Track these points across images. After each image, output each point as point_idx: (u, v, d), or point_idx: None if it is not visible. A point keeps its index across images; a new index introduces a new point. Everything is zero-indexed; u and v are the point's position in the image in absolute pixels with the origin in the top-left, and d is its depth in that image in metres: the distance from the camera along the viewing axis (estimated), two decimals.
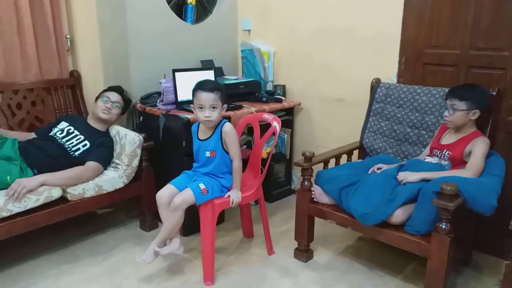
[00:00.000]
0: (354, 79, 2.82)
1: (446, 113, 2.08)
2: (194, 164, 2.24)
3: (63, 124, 2.45)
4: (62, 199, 2.22)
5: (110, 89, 2.57)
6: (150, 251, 2.12)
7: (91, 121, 2.53)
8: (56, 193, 2.14)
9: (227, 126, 2.12)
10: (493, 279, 2.19)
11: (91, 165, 2.31)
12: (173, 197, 2.08)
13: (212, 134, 2.13)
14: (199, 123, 2.21)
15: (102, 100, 2.47)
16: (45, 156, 2.28)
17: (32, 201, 2.05)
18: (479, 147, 1.98)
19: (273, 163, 3.08)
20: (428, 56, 2.50)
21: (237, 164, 2.14)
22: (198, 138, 2.18)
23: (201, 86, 2.07)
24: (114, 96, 2.52)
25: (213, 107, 2.05)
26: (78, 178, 2.24)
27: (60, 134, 2.40)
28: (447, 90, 2.30)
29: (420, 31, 2.49)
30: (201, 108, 2.05)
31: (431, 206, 1.79)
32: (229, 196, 2.13)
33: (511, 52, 2.20)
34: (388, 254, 2.36)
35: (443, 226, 1.75)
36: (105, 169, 2.42)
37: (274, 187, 3.16)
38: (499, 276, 2.20)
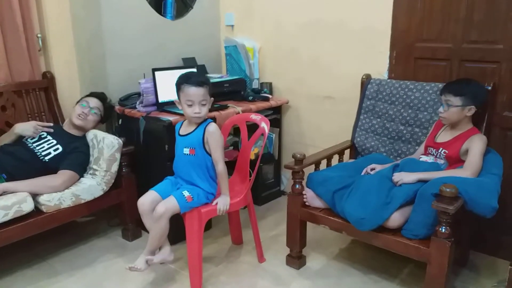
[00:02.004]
0: (343, 75, 2.72)
1: (440, 109, 2.00)
2: (174, 169, 2.10)
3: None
4: (37, 211, 2.07)
5: (91, 94, 2.45)
6: (141, 259, 1.99)
7: (66, 126, 2.40)
8: (26, 207, 1.98)
9: (212, 126, 1.99)
10: (491, 280, 2.13)
11: (62, 172, 2.17)
12: (156, 204, 1.95)
13: (194, 130, 2.00)
14: (183, 121, 2.09)
15: (81, 105, 2.35)
16: (14, 160, 2.15)
17: None
18: (476, 145, 1.90)
19: (261, 164, 2.97)
20: (420, 50, 2.41)
21: (221, 167, 2.01)
22: (179, 133, 2.06)
23: (188, 80, 1.93)
24: (93, 102, 2.39)
25: (203, 103, 1.94)
26: (44, 185, 2.09)
27: (31, 139, 2.27)
28: (441, 85, 2.22)
29: (411, 24, 2.40)
30: (190, 104, 1.92)
31: (430, 209, 1.70)
32: (216, 203, 2.01)
33: (505, 45, 2.13)
34: (382, 257, 2.28)
35: (443, 230, 1.66)
36: (81, 176, 2.27)
37: (262, 189, 3.05)
38: (497, 277, 2.15)
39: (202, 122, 2.01)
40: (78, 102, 2.40)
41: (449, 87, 1.99)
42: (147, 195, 2.01)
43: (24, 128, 2.27)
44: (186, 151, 2.01)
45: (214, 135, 1.98)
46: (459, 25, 2.24)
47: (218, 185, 2.10)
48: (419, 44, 2.40)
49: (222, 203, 2.01)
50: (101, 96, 2.45)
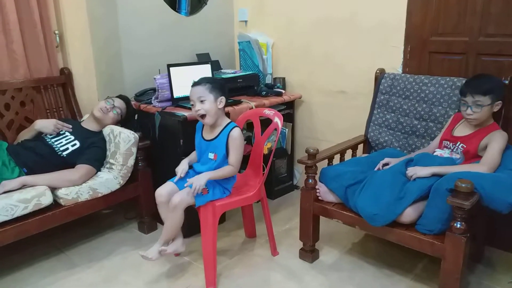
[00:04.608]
0: (356, 70, 2.71)
1: (469, 111, 1.93)
2: (195, 167, 2.13)
3: None
4: (56, 205, 2.12)
5: (119, 96, 2.50)
6: (154, 250, 2.02)
7: (85, 122, 2.45)
8: (45, 200, 2.03)
9: (236, 132, 2.00)
10: (507, 276, 2.10)
11: (80, 167, 2.21)
12: (172, 195, 1.98)
13: (218, 135, 2.02)
14: None
15: (106, 102, 2.40)
16: (34, 155, 2.20)
17: (20, 209, 1.94)
18: (497, 141, 1.88)
19: (274, 159, 2.98)
20: (435, 44, 2.39)
21: (232, 169, 2.01)
22: (203, 137, 2.08)
23: (192, 83, 2.02)
24: (118, 102, 2.45)
25: (201, 100, 1.96)
26: (63, 179, 2.13)
27: (50, 135, 2.31)
28: (456, 79, 2.20)
29: (426, 18, 2.38)
30: (193, 105, 1.99)
31: (444, 204, 1.69)
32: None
33: None
34: (396, 251, 2.27)
35: (458, 226, 1.66)
36: (98, 170, 2.31)
37: (276, 183, 3.06)
38: None
39: (226, 126, 2.02)
40: (105, 99, 2.45)
41: (474, 86, 1.92)
42: (165, 186, 2.05)
43: (44, 125, 2.31)
44: (211, 156, 2.04)
45: (236, 141, 2.00)
46: (475, 18, 2.21)
47: (237, 178, 2.14)
48: (434, 38, 2.38)
49: (196, 181, 1.89)
50: (126, 99, 2.51)
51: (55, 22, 2.64)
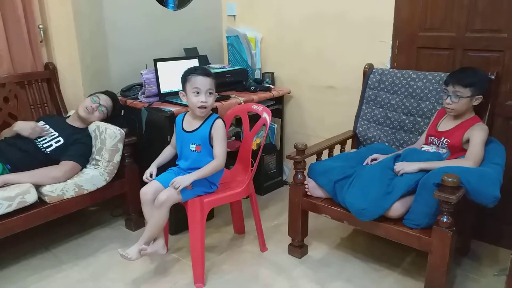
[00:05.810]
0: (346, 65, 2.71)
1: (448, 101, 1.96)
2: (178, 163, 2.11)
3: (40, 123, 2.32)
4: (41, 202, 2.09)
5: (105, 92, 2.46)
6: (134, 249, 1.97)
7: (70, 119, 2.41)
8: (30, 198, 1.99)
9: (220, 122, 2.01)
10: (492, 269, 2.13)
11: (63, 163, 2.18)
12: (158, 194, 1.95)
13: (200, 126, 2.00)
14: (185, 114, 2.08)
15: (92, 99, 2.36)
16: (17, 152, 2.17)
17: (3, 207, 1.90)
18: (477, 135, 1.89)
19: (263, 155, 2.97)
20: (423, 40, 2.39)
21: (218, 163, 1.98)
22: (183, 129, 2.05)
23: (195, 70, 1.98)
24: (104, 100, 2.40)
25: (210, 93, 1.95)
26: (46, 175, 2.10)
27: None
28: (443, 74, 2.21)
29: (414, 13, 2.38)
30: (197, 93, 1.93)
31: (431, 199, 1.70)
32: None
33: (509, 33, 2.11)
34: (384, 246, 2.29)
35: (445, 220, 1.67)
36: (84, 167, 2.28)
37: (265, 179, 3.05)
38: (498, 266, 2.15)
39: (209, 117, 2.01)
40: (90, 95, 2.41)
41: (456, 77, 1.95)
42: (150, 185, 2.02)
43: (22, 127, 2.24)
44: (193, 147, 2.01)
45: (220, 131, 1.99)
46: (462, 13, 2.22)
47: (223, 173, 2.12)
48: (422, 33, 2.38)
49: (180, 180, 1.90)
50: (112, 96, 2.47)
51: (39, 16, 2.59)
